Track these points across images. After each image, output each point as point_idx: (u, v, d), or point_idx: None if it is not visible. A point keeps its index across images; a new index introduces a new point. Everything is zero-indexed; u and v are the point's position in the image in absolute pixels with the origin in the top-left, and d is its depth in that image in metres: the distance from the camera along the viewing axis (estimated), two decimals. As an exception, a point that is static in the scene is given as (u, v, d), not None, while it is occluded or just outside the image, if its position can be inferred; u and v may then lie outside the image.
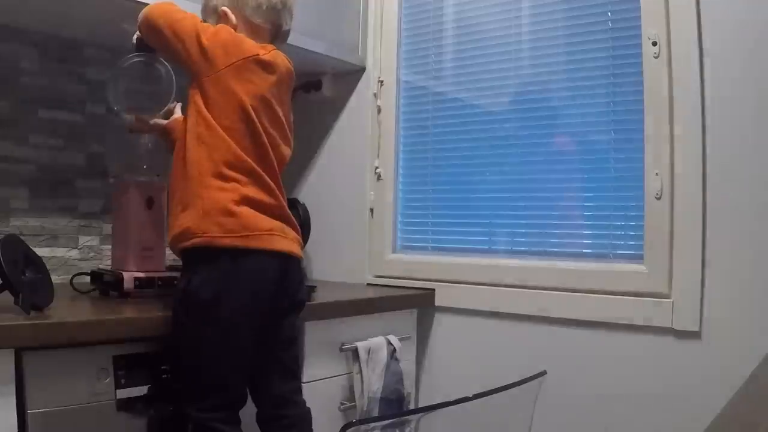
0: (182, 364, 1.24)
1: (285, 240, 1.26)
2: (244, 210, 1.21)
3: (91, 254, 1.79)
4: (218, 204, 1.19)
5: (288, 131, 1.36)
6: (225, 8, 1.34)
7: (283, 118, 1.33)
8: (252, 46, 1.29)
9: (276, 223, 1.26)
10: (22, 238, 1.34)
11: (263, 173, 1.25)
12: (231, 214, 1.19)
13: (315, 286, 1.70)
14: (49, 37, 1.72)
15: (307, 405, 1.35)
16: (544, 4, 1.84)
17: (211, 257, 1.19)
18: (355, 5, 2.07)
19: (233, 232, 1.19)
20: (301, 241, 1.34)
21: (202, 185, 1.21)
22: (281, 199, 1.29)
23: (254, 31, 1.35)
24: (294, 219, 1.33)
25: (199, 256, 1.21)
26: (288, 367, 1.34)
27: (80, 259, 1.76)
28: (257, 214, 1.23)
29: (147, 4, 1.41)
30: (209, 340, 1.20)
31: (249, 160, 1.23)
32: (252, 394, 1.30)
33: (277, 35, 1.39)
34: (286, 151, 1.35)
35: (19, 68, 1.67)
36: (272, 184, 1.27)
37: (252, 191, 1.23)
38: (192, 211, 1.20)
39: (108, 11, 1.55)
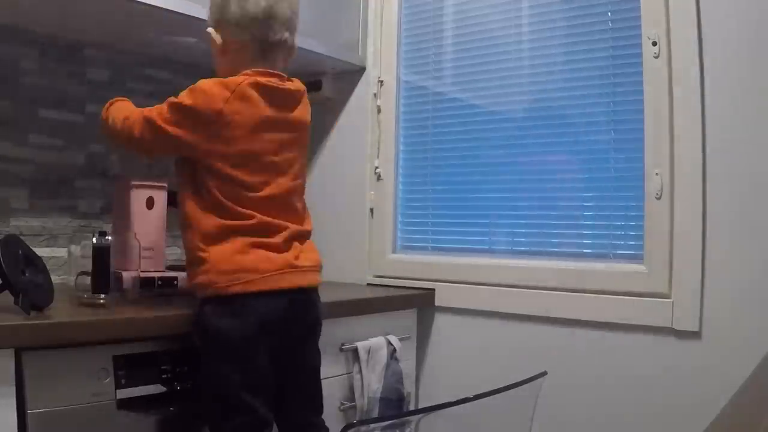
0: (205, 388, 1.27)
1: (295, 275, 1.29)
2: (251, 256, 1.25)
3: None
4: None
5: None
6: (210, 29, 1.33)
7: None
8: None
9: (286, 260, 1.28)
10: (22, 238, 1.34)
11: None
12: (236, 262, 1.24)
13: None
14: (49, 37, 1.71)
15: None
16: (544, 4, 1.84)
17: (221, 302, 1.24)
18: (355, 5, 2.07)
19: (238, 279, 1.23)
20: (319, 262, 1.39)
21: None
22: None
23: (240, 48, 1.32)
24: (310, 243, 1.39)
25: (211, 301, 1.25)
26: (310, 395, 1.38)
27: (82, 257, 1.76)
28: (265, 256, 1.26)
29: (146, 4, 1.41)
30: (225, 368, 1.23)
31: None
32: (277, 422, 1.32)
33: (264, 48, 1.31)
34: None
35: (19, 68, 1.67)
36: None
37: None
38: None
39: (108, 11, 1.55)
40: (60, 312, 1.21)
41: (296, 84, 1.37)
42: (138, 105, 1.87)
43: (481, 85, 1.96)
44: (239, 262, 1.23)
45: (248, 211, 1.25)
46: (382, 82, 2.11)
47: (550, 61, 1.83)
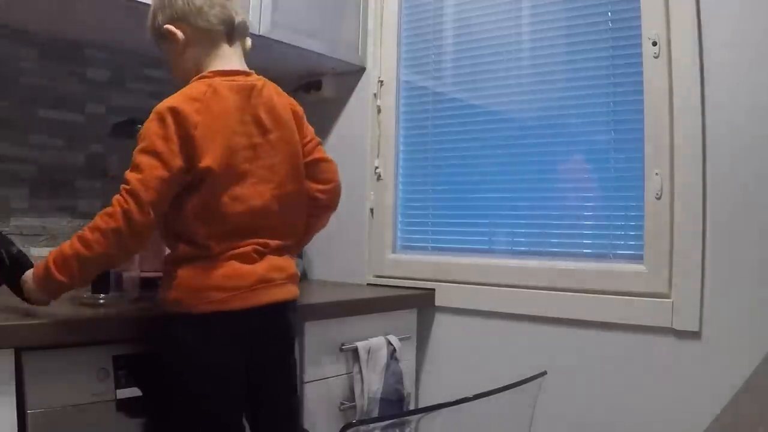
0: (177, 405, 1.21)
1: (268, 290, 1.22)
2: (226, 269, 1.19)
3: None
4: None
5: None
6: (168, 26, 1.24)
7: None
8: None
9: (258, 274, 1.21)
10: (21, 238, 1.34)
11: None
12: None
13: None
14: (49, 37, 1.72)
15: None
16: (544, 4, 1.84)
17: (192, 320, 1.18)
18: (355, 5, 2.07)
19: (208, 297, 1.17)
20: (296, 272, 1.30)
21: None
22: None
23: (209, 37, 1.24)
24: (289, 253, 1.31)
25: (182, 319, 1.19)
26: (287, 412, 1.33)
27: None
28: (236, 270, 1.19)
29: (148, 4, 1.41)
30: (201, 387, 1.18)
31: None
32: None
33: (232, 32, 1.26)
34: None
35: (19, 68, 1.67)
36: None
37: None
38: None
39: (108, 11, 1.55)
40: (60, 312, 1.20)
41: (261, 78, 1.29)
42: (137, 105, 1.89)
43: (481, 85, 1.96)
44: (209, 279, 1.17)
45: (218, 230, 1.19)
46: (382, 82, 2.11)
47: (551, 61, 1.83)
